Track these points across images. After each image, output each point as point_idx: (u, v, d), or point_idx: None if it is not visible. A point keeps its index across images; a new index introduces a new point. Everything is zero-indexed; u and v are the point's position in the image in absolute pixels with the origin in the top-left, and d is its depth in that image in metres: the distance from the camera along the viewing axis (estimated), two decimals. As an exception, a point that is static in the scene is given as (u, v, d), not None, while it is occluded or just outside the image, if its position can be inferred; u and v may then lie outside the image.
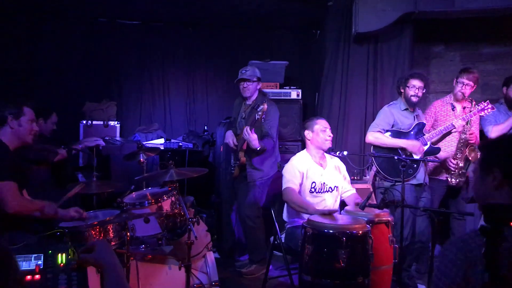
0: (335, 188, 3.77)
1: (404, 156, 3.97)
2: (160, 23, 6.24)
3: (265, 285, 3.80)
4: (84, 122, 5.65)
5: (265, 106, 4.00)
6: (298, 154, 3.90)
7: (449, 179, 4.27)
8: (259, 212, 4.37)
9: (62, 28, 5.94)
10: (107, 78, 6.16)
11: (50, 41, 5.90)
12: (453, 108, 4.30)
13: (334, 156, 3.84)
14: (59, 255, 1.65)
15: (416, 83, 4.09)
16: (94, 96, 5.93)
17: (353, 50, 5.30)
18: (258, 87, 4.49)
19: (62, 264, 1.68)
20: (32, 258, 1.59)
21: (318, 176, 3.71)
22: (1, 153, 2.87)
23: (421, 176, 4.02)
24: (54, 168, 4.37)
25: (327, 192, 3.73)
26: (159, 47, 6.25)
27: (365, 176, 4.82)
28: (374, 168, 4.18)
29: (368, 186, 4.56)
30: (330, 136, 3.76)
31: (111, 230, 3.01)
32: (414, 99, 4.10)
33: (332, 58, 5.39)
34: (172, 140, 5.45)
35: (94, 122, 5.66)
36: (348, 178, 3.93)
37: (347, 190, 3.87)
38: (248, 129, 4.09)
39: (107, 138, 5.29)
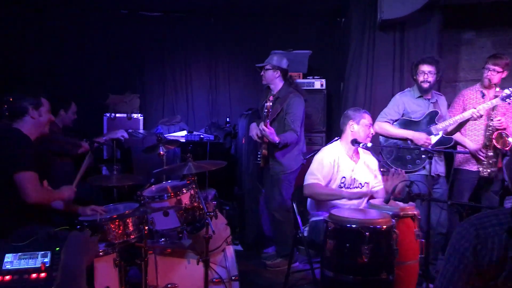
0: (366, 184, 3.64)
1: (412, 146, 3.85)
2: (181, 14, 6.19)
3: (287, 278, 3.74)
4: (108, 115, 5.66)
5: (269, 103, 3.92)
6: (331, 145, 3.75)
7: (481, 170, 4.10)
8: (287, 207, 4.25)
9: (85, 21, 5.96)
10: (130, 71, 6.16)
11: (73, 34, 5.93)
12: (483, 95, 4.14)
13: (363, 148, 3.69)
14: (67, 252, 1.63)
15: (425, 68, 3.95)
16: (117, 89, 5.94)
17: (379, 37, 5.12)
18: (276, 76, 4.34)
19: (68, 262, 1.66)
20: (39, 256, 1.56)
21: (349, 171, 3.58)
22: (23, 144, 2.88)
23: (435, 167, 3.86)
24: (76, 161, 4.39)
25: (357, 188, 3.61)
26: (180, 38, 6.20)
27: (392, 167, 4.67)
28: (380, 158, 4.06)
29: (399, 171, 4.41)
30: (372, 133, 3.63)
31: (131, 224, 3.00)
32: (424, 85, 3.97)
33: (357, 46, 5.23)
34: (194, 133, 5.42)
35: (117, 115, 5.67)
36: (379, 173, 3.76)
37: (378, 185, 3.74)
38: (262, 124, 4.01)
39: (130, 130, 5.32)
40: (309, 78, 5.24)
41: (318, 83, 5.20)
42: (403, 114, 4.06)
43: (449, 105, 4.34)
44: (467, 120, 3.98)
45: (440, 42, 5.14)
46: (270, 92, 4.41)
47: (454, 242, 1.50)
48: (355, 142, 3.55)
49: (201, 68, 6.30)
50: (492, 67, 4.06)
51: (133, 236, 2.99)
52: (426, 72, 3.94)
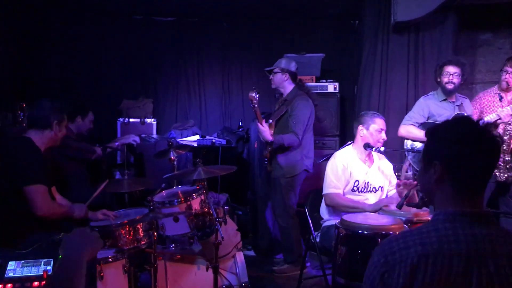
0: (380, 188, 3.57)
1: None
2: (195, 19, 6.20)
3: (299, 285, 3.69)
4: (122, 119, 5.69)
5: (253, 94, 3.85)
6: (343, 149, 3.70)
7: (498, 175, 4.00)
8: (290, 213, 4.21)
9: (99, 27, 6.02)
10: (144, 76, 6.19)
11: (87, 40, 5.98)
12: (501, 98, 4.04)
13: (376, 153, 3.62)
14: (69, 260, 1.62)
15: (450, 69, 3.88)
16: (131, 94, 5.97)
17: (393, 40, 5.05)
18: (284, 79, 4.29)
19: (70, 270, 1.65)
20: (42, 263, 1.56)
21: (362, 175, 3.53)
22: (33, 156, 2.87)
23: None
24: (89, 166, 4.41)
25: (371, 192, 3.55)
26: (194, 43, 6.21)
27: (407, 172, 4.59)
28: (407, 163, 3.99)
29: (412, 182, 4.33)
30: (383, 139, 3.54)
31: (141, 229, 3.00)
32: (449, 86, 3.90)
33: (371, 49, 5.17)
34: (207, 137, 5.41)
35: (131, 120, 5.70)
36: (394, 178, 3.68)
37: (392, 189, 3.66)
38: (257, 122, 4.00)
39: (143, 135, 5.34)
40: (322, 82, 5.20)
41: (332, 87, 5.16)
42: (428, 117, 3.99)
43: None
44: (495, 123, 3.89)
45: (456, 43, 5.06)
46: (281, 95, 4.40)
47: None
48: (367, 146, 3.50)
49: (214, 72, 6.29)
50: (510, 69, 3.97)
51: (143, 242, 2.99)
52: (452, 73, 3.89)
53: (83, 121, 4.60)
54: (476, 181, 1.41)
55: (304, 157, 4.27)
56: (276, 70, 4.29)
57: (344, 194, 3.52)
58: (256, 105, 3.91)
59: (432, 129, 1.51)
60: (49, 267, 1.54)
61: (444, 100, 3.98)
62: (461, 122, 1.45)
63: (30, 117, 3.02)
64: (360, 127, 3.56)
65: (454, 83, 3.90)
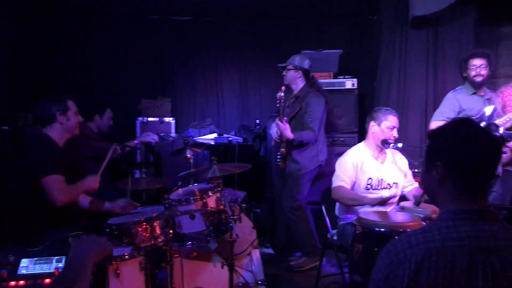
0: (394, 184, 3.52)
1: None
2: (211, 18, 6.22)
3: (318, 283, 3.67)
4: (140, 119, 5.75)
5: (281, 94, 3.88)
6: (354, 147, 3.69)
7: None
8: (297, 205, 4.25)
9: (117, 27, 6.09)
10: (161, 75, 6.25)
11: (105, 40, 6.06)
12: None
13: (393, 149, 3.57)
14: (80, 257, 1.64)
15: (476, 62, 3.80)
16: (149, 93, 6.04)
17: (411, 35, 4.97)
18: (297, 76, 4.32)
19: (82, 267, 1.67)
20: (54, 261, 1.58)
21: (375, 172, 3.49)
22: (49, 149, 2.94)
23: None
24: (108, 165, 4.46)
25: (385, 189, 3.50)
26: (210, 42, 6.24)
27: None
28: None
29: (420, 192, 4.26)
30: (394, 136, 3.49)
31: (158, 227, 3.01)
32: (478, 79, 3.81)
33: (389, 44, 5.11)
34: (224, 135, 5.43)
35: (149, 119, 5.76)
36: (409, 173, 3.65)
37: (409, 184, 3.63)
38: (278, 120, 3.99)
39: (162, 134, 5.38)
40: (339, 78, 5.14)
41: (350, 83, 5.11)
42: (459, 112, 3.91)
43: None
44: None
45: (477, 37, 4.94)
46: (292, 92, 4.40)
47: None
48: (385, 142, 3.45)
49: (231, 70, 6.31)
50: None
51: (160, 239, 2.99)
52: (478, 66, 3.82)
53: (101, 118, 4.67)
54: (478, 181, 1.42)
55: (319, 152, 4.32)
56: (289, 67, 4.30)
57: (358, 191, 3.48)
58: (282, 104, 3.97)
59: (433, 130, 1.53)
60: (60, 265, 1.57)
61: (474, 93, 3.90)
62: (462, 123, 1.47)
63: (36, 119, 3.07)
64: (372, 123, 3.52)
65: (482, 75, 3.82)
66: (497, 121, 3.75)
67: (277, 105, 3.98)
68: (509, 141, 3.76)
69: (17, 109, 4.52)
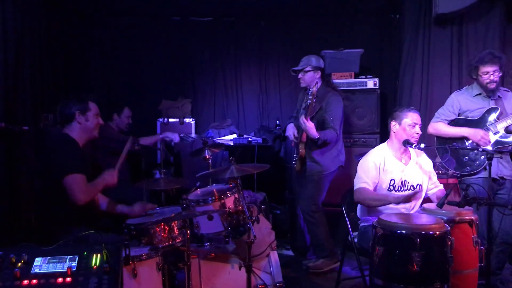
0: (418, 186, 3.43)
1: (469, 146, 3.59)
2: (231, 18, 6.22)
3: (338, 286, 3.61)
4: (161, 120, 5.78)
5: (314, 89, 3.80)
6: (377, 147, 3.61)
7: None
8: (317, 207, 4.19)
9: (138, 29, 6.14)
10: (182, 76, 6.27)
11: (126, 41, 6.12)
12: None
13: (416, 150, 3.48)
14: (94, 256, 1.62)
15: (488, 69, 3.63)
16: (170, 94, 6.06)
17: (434, 33, 4.88)
18: (317, 76, 4.26)
19: (95, 267, 1.65)
20: (67, 260, 1.57)
21: (398, 173, 3.41)
22: (70, 147, 2.97)
23: (493, 168, 3.55)
24: (128, 165, 4.50)
25: (409, 190, 3.41)
26: (231, 42, 6.24)
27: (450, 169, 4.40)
28: (437, 161, 3.82)
29: (454, 180, 4.16)
30: (418, 133, 3.40)
31: (176, 227, 3.00)
32: (491, 86, 3.68)
33: (412, 43, 5.03)
34: (244, 136, 5.41)
35: (170, 120, 5.78)
36: (434, 174, 3.55)
37: (434, 186, 3.53)
38: (303, 117, 3.89)
39: (182, 135, 5.39)
40: (361, 78, 5.08)
41: (371, 83, 5.03)
42: (459, 113, 3.81)
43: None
44: None
45: (503, 36, 4.81)
46: (306, 92, 4.31)
47: None
48: (406, 142, 3.37)
49: (252, 71, 6.30)
50: None
51: (178, 240, 2.99)
52: (491, 73, 3.64)
53: (119, 117, 4.71)
54: None
55: (339, 153, 4.26)
56: (307, 68, 4.24)
57: (380, 192, 3.41)
58: (314, 101, 3.91)
59: None
60: (73, 264, 1.55)
61: (478, 95, 3.78)
62: None
63: (59, 117, 3.11)
64: (392, 123, 3.46)
65: (496, 82, 3.67)
66: (500, 124, 3.64)
67: (308, 102, 3.89)
68: (509, 144, 3.64)
69: (40, 110, 4.58)
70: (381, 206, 3.33)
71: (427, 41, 4.93)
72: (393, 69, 5.55)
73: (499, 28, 4.72)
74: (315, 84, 4.06)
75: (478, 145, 3.65)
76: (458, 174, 3.69)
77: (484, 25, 4.74)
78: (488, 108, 3.72)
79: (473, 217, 2.99)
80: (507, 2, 4.68)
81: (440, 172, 4.19)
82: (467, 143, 3.72)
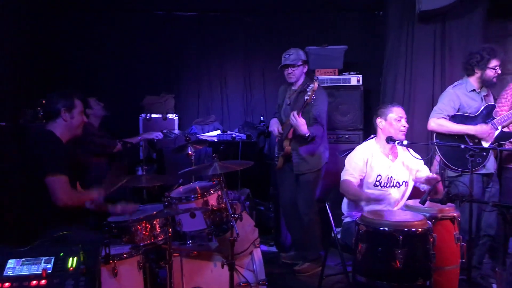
0: (404, 183, 3.46)
1: (471, 143, 3.60)
2: (216, 13, 6.16)
3: (321, 283, 3.61)
4: (144, 115, 5.70)
5: (316, 84, 3.70)
6: (365, 142, 3.63)
7: None
8: (316, 209, 4.13)
9: (120, 23, 6.05)
10: (165, 71, 6.18)
11: (108, 36, 6.03)
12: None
13: (399, 145, 3.49)
14: (70, 258, 1.57)
15: (497, 63, 3.68)
16: (152, 90, 5.98)
17: (418, 30, 4.87)
18: (304, 71, 4.23)
19: (71, 268, 1.60)
20: (42, 261, 1.52)
21: (385, 169, 3.42)
22: (54, 147, 2.92)
23: (491, 164, 3.61)
24: (111, 162, 4.44)
25: (394, 187, 3.44)
26: (215, 38, 6.17)
27: (431, 166, 4.43)
28: (437, 158, 3.82)
29: (436, 177, 4.17)
30: (404, 126, 3.43)
31: (158, 225, 2.97)
32: (495, 79, 3.72)
33: (395, 40, 5.02)
34: (228, 132, 5.37)
35: (153, 116, 5.71)
36: (425, 169, 3.54)
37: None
38: (295, 113, 3.81)
39: (165, 131, 5.32)
40: (345, 74, 5.07)
41: (355, 79, 5.03)
42: (458, 109, 3.82)
43: (495, 99, 4.06)
44: None
45: (486, 33, 4.84)
46: (289, 87, 4.33)
47: None
48: (390, 139, 3.38)
49: (236, 67, 6.24)
50: None
51: (160, 238, 2.96)
52: (498, 66, 3.71)
53: (92, 108, 4.61)
54: None
55: (325, 149, 4.24)
56: (299, 63, 4.18)
57: (366, 187, 3.42)
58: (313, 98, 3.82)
59: None
60: (49, 265, 1.50)
61: (473, 90, 3.81)
62: None
63: (43, 112, 3.06)
64: (378, 120, 3.48)
65: (499, 75, 3.73)
66: (497, 120, 3.68)
67: (306, 97, 3.73)
68: (506, 139, 3.68)
69: (20, 106, 4.49)
70: (356, 201, 3.39)
71: (410, 38, 4.93)
72: (377, 66, 5.54)
73: (481, 26, 4.74)
74: (316, 80, 3.87)
75: (480, 141, 3.67)
76: (459, 171, 3.69)
77: (466, 22, 4.75)
78: (485, 104, 3.74)
79: (455, 214, 3.02)
80: (488, 0, 4.70)
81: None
82: (467, 141, 3.72)
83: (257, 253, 3.15)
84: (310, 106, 4.04)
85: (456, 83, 3.94)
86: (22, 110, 4.35)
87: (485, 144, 3.66)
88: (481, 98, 3.78)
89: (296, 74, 4.19)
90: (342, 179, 3.43)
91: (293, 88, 4.27)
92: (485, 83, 3.76)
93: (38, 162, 2.85)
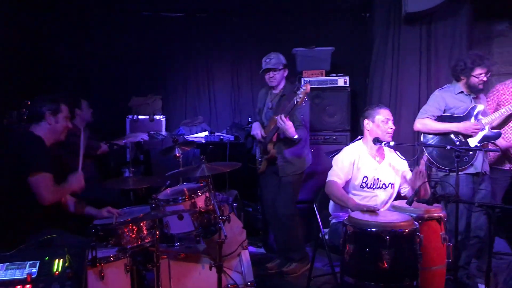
0: (390, 185, 3.46)
1: (458, 142, 3.64)
2: (203, 14, 6.15)
3: (309, 283, 3.62)
4: (131, 117, 5.67)
5: (308, 87, 3.68)
6: (352, 144, 3.63)
7: None
8: (296, 210, 4.15)
9: (107, 23, 6.02)
10: (153, 72, 6.17)
11: (95, 36, 6.00)
12: (520, 90, 3.92)
13: (385, 147, 3.51)
14: (56, 262, 1.55)
15: (482, 71, 3.69)
16: (140, 91, 5.97)
17: (404, 32, 4.92)
18: (285, 75, 4.24)
19: (57, 272, 1.58)
20: (27, 266, 1.49)
21: (371, 170, 3.43)
22: (37, 146, 2.89)
23: (479, 163, 3.64)
24: (97, 163, 4.39)
25: (380, 188, 3.45)
26: (203, 39, 6.17)
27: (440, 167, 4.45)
28: (425, 158, 3.86)
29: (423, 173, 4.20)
30: (391, 128, 3.44)
31: (145, 228, 2.95)
32: (481, 86, 3.74)
33: (382, 41, 5.06)
34: (216, 133, 5.36)
35: (140, 117, 5.68)
36: (409, 174, 3.52)
37: (406, 187, 3.54)
38: (283, 116, 3.81)
39: (152, 132, 5.30)
40: (332, 76, 5.09)
41: (342, 81, 5.05)
42: (444, 110, 3.85)
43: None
44: None
45: (471, 34, 4.90)
46: (270, 91, 4.33)
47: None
48: (377, 140, 3.39)
49: (224, 68, 6.25)
50: None
51: (148, 240, 2.94)
52: (483, 74, 3.71)
53: (82, 110, 4.57)
54: None
55: (309, 151, 4.26)
56: (280, 66, 4.19)
57: (352, 188, 3.43)
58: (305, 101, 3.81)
59: None
60: (34, 270, 1.48)
61: (461, 92, 3.84)
62: None
63: (27, 114, 3.03)
64: (365, 121, 3.48)
65: (484, 82, 3.76)
66: (484, 120, 3.71)
67: (297, 100, 3.70)
68: (494, 139, 3.72)
69: (6, 107, 4.43)
70: (340, 204, 3.35)
71: (397, 39, 4.97)
72: (364, 67, 5.59)
73: (467, 27, 4.80)
74: (307, 82, 3.89)
75: (466, 140, 3.70)
76: (446, 170, 3.73)
77: (452, 24, 4.81)
78: (472, 105, 3.78)
79: (441, 214, 3.04)
80: (473, 2, 4.76)
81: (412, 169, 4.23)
82: (454, 139, 3.75)
83: (245, 255, 3.14)
84: (294, 110, 4.05)
85: (444, 86, 3.98)
86: (7, 111, 4.30)
87: (472, 141, 3.68)
88: (471, 100, 3.81)
89: (277, 78, 4.21)
90: (328, 179, 3.43)
91: (274, 91, 4.29)
92: (471, 89, 3.79)
93: (21, 163, 2.82)
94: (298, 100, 3.70)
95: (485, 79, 3.72)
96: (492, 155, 3.94)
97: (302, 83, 4.78)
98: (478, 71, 3.69)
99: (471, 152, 3.65)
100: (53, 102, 3.03)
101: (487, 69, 3.69)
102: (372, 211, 3.00)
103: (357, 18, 5.99)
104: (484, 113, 3.77)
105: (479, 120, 3.72)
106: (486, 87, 4.26)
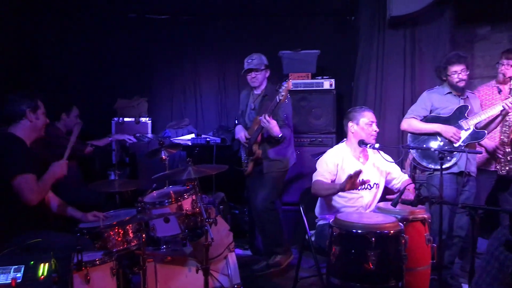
0: (375, 185, 3.51)
1: (443, 142, 3.70)
2: (190, 17, 6.13)
3: (295, 285, 3.63)
4: (116, 119, 5.63)
5: (290, 83, 3.75)
6: (336, 146, 3.67)
7: (499, 168, 3.95)
8: (273, 205, 4.20)
9: (92, 25, 5.95)
10: (138, 74, 6.12)
11: (80, 38, 5.93)
12: (499, 91, 4.04)
13: (370, 149, 3.54)
14: (41, 266, 1.54)
15: (456, 68, 3.77)
16: (125, 93, 5.91)
17: (389, 35, 4.99)
18: (266, 75, 4.30)
19: (42, 277, 1.57)
20: (12, 270, 1.48)
21: None
22: (17, 147, 2.86)
23: (462, 163, 3.69)
24: (82, 166, 4.36)
25: (365, 189, 3.48)
26: (189, 41, 6.15)
27: (403, 169, 4.51)
28: (410, 157, 3.92)
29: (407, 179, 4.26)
30: (376, 131, 3.49)
31: (131, 231, 2.94)
32: (461, 84, 3.81)
33: (366, 44, 5.12)
34: (202, 136, 5.35)
35: (125, 119, 5.64)
36: (396, 168, 3.62)
37: (398, 182, 3.60)
38: (267, 116, 3.86)
39: (138, 135, 5.27)
40: (318, 78, 5.12)
41: (327, 83, 5.09)
42: (431, 111, 3.91)
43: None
44: (500, 115, 3.79)
45: (454, 38, 4.99)
46: (252, 92, 4.39)
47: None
48: (362, 143, 3.43)
49: (210, 70, 6.23)
50: (506, 61, 3.97)
51: (134, 243, 2.93)
52: (459, 72, 3.78)
53: (68, 117, 4.53)
54: None
55: (292, 150, 4.31)
56: (262, 67, 4.23)
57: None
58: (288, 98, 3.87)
59: None
60: (19, 274, 1.46)
61: (449, 93, 3.91)
62: None
63: (6, 114, 2.97)
64: (350, 124, 3.52)
65: (464, 80, 3.81)
66: (470, 120, 3.77)
67: (280, 98, 3.77)
68: (479, 138, 3.78)
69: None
70: (332, 194, 3.39)
71: (381, 42, 5.04)
72: (349, 70, 5.63)
73: (450, 30, 4.89)
74: (289, 80, 3.91)
75: (450, 141, 3.75)
76: (431, 169, 3.77)
77: (435, 27, 4.89)
78: (459, 105, 3.83)
79: (425, 216, 3.08)
80: (456, 6, 4.84)
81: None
82: (439, 139, 3.81)
83: (232, 257, 3.14)
84: (277, 109, 4.08)
85: (435, 87, 4.04)
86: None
87: (456, 145, 3.74)
88: (459, 100, 3.87)
89: (259, 79, 4.26)
90: (314, 180, 3.47)
91: (255, 92, 4.33)
92: (453, 88, 3.85)
93: (2, 166, 2.79)
94: (281, 97, 3.77)
95: (463, 76, 3.78)
96: (478, 156, 3.99)
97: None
98: (453, 68, 3.77)
99: (455, 152, 3.71)
100: (32, 99, 3.00)
101: (463, 66, 3.76)
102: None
103: (343, 22, 6.04)
104: (470, 113, 3.82)
105: (465, 119, 3.77)
106: (469, 89, 4.35)
